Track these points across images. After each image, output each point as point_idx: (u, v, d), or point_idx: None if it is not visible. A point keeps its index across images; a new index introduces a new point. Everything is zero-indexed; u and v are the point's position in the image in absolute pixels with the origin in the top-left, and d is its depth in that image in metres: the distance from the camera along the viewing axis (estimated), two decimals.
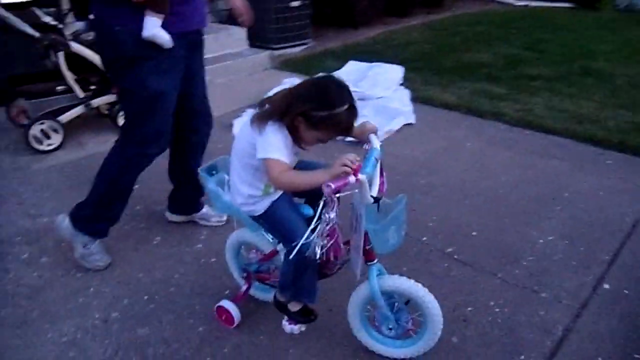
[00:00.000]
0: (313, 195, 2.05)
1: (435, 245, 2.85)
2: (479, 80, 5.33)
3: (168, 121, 2.53)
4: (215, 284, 2.57)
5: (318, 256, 1.82)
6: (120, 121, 4.24)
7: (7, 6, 3.90)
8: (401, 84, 5.09)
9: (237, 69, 5.75)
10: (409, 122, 4.38)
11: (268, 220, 2.02)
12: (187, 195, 2.99)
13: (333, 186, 1.61)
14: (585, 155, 3.85)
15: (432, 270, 2.66)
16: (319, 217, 1.77)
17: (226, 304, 2.28)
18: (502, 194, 3.35)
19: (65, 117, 4.06)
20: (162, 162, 2.72)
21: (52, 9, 4.76)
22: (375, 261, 1.99)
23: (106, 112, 4.34)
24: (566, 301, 2.44)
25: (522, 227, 3.01)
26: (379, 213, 1.86)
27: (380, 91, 4.81)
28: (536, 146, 4.00)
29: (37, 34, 3.78)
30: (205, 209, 3.05)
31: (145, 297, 2.50)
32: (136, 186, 2.67)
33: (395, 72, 5.18)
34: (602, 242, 2.87)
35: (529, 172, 3.62)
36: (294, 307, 2.17)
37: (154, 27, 2.23)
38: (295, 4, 6.38)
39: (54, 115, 4.05)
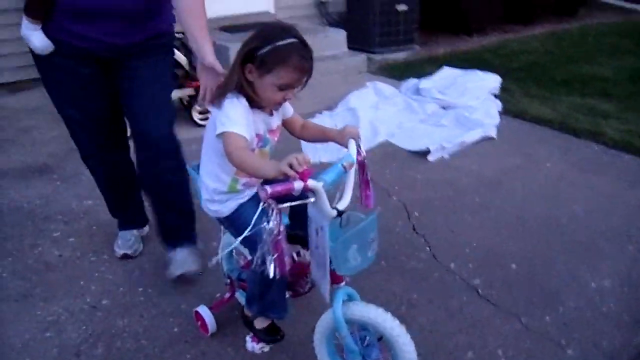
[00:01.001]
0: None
1: (461, 274, 2.51)
2: (587, 95, 4.72)
3: (90, 138, 2.43)
4: (214, 283, 2.46)
5: (271, 274, 1.59)
6: (195, 115, 4.33)
7: None
8: (495, 95, 4.66)
9: (330, 71, 5.62)
10: (489, 135, 3.97)
11: (233, 224, 1.86)
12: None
13: (269, 191, 1.42)
14: None
15: (446, 302, 2.34)
16: (253, 226, 1.57)
17: (202, 310, 2.17)
18: (566, 225, 2.89)
19: None
20: None
21: None
22: (342, 284, 1.75)
23: (185, 104, 4.45)
24: None
25: (575, 266, 2.56)
26: (343, 228, 1.62)
27: (467, 100, 4.43)
28: (631, 173, 3.42)
29: None
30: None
31: (140, 289, 2.47)
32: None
33: (489, 80, 4.76)
34: None
35: (609, 203, 3.10)
36: (260, 323, 2.02)
37: (26, 29, 2.11)
38: (401, 8, 6.12)
39: None
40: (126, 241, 2.69)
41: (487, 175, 3.45)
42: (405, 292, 2.39)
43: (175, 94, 4.29)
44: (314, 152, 3.47)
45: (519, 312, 2.27)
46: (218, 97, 1.71)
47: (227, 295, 2.23)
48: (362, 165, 1.76)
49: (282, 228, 1.50)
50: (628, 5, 8.71)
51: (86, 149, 2.48)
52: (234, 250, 2.25)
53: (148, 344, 2.14)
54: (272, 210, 1.47)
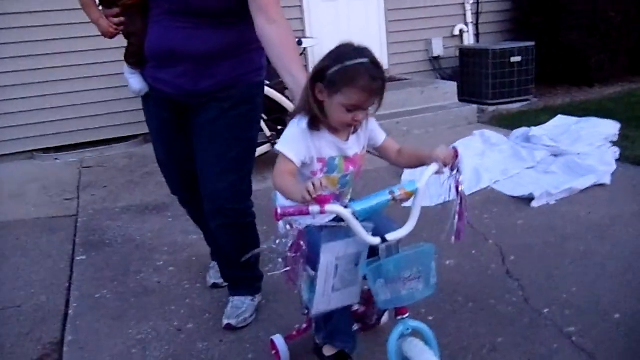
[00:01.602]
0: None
1: (555, 320, 2.32)
2: None
3: (172, 177, 2.55)
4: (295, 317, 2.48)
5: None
6: None
7: None
8: (613, 142, 4.36)
9: (439, 122, 5.61)
10: (602, 182, 3.70)
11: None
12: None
13: (279, 212, 1.43)
14: None
15: (534, 348, 2.16)
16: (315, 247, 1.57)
17: (277, 340, 2.13)
18: None
19: None
20: None
21: None
22: (406, 315, 1.64)
23: None
24: None
25: None
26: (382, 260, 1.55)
27: (580, 147, 4.18)
28: None
29: None
30: None
31: None
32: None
33: (606, 127, 4.46)
34: None
35: None
36: (328, 351, 1.97)
37: (126, 73, 2.29)
38: (516, 59, 6.01)
39: None
40: (216, 272, 2.78)
41: (596, 223, 3.19)
42: (490, 334, 2.25)
43: None
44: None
45: None
46: (291, 118, 1.75)
47: (304, 326, 2.16)
48: (458, 194, 1.66)
49: (302, 249, 1.50)
50: None
51: (171, 187, 2.62)
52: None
53: None
54: (287, 231, 1.49)
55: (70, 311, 2.65)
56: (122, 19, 2.22)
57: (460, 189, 1.63)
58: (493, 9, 6.83)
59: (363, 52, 1.64)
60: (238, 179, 2.30)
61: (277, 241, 1.57)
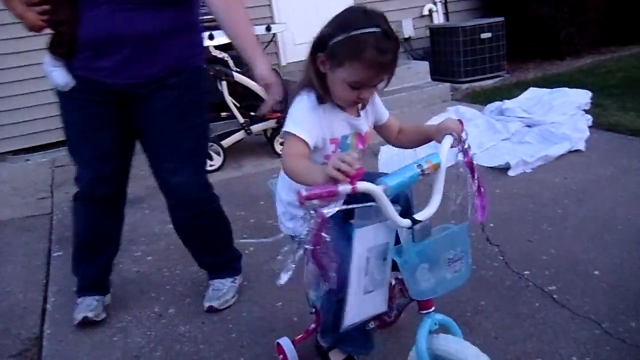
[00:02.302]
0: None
1: (535, 281, 2.33)
2: None
3: (94, 175, 2.22)
4: (275, 295, 2.46)
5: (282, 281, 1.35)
6: (277, 147, 4.46)
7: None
8: (586, 110, 4.39)
9: (413, 101, 5.62)
10: (576, 148, 3.73)
11: None
12: None
13: (304, 194, 1.18)
14: None
15: (516, 308, 2.18)
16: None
17: (284, 342, 1.93)
18: None
19: (227, 142, 4.41)
20: None
21: None
22: (431, 310, 1.46)
23: (268, 136, 4.61)
24: None
25: None
26: (416, 243, 1.36)
27: (553, 116, 4.21)
28: None
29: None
30: None
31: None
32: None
33: (578, 96, 4.51)
34: None
35: None
36: (336, 356, 1.80)
37: (48, 66, 2.05)
38: (486, 36, 6.02)
39: (218, 139, 4.42)
40: (213, 291, 2.46)
41: (572, 187, 3.22)
42: (473, 299, 2.25)
43: (258, 127, 4.47)
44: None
45: (599, 318, 2.05)
46: (294, 94, 1.52)
47: (312, 326, 1.95)
48: (470, 168, 1.46)
49: (326, 239, 1.25)
50: None
51: (90, 185, 2.25)
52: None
53: (205, 348, 2.17)
54: (311, 217, 1.23)
55: (48, 306, 2.60)
56: (45, 7, 1.99)
57: (472, 161, 1.47)
58: None
59: (374, 18, 1.40)
60: (194, 170, 2.24)
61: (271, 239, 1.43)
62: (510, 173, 3.49)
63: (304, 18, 5.93)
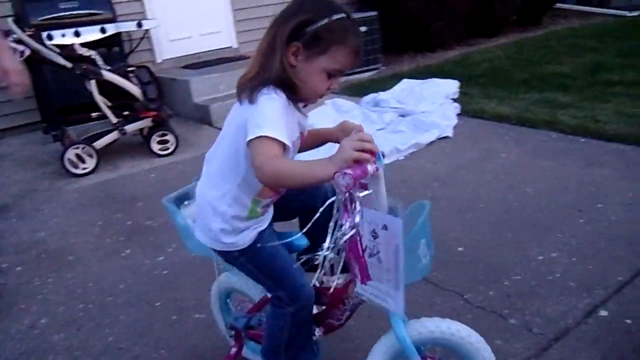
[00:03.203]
0: (299, 213, 1.60)
1: None
2: (546, 91, 4.71)
3: None
4: (153, 295, 2.42)
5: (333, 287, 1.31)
6: (154, 146, 4.31)
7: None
8: (454, 99, 4.65)
9: None
10: (445, 135, 3.94)
11: (254, 258, 1.48)
12: None
13: (352, 173, 1.11)
14: None
15: None
16: (279, 257, 1.35)
17: None
18: (517, 207, 2.83)
19: (100, 143, 4.20)
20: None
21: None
22: None
23: (144, 135, 4.45)
24: (538, 330, 1.94)
25: (523, 243, 2.49)
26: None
27: (424, 106, 4.43)
28: (586, 155, 3.38)
29: (69, 64, 3.98)
30: None
31: (81, 305, 2.42)
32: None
33: (447, 86, 4.78)
34: (622, 261, 2.28)
35: (563, 183, 3.05)
36: None
37: None
38: (361, 29, 6.18)
39: (90, 140, 4.20)
40: None
41: (442, 171, 3.40)
42: None
43: (133, 127, 4.30)
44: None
45: (462, 290, 2.20)
46: (250, 90, 1.33)
47: (234, 350, 1.81)
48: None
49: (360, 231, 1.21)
50: (590, 9, 8.82)
51: None
52: (230, 296, 1.94)
53: (81, 354, 2.08)
54: (353, 201, 1.17)
55: None
56: None
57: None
58: None
59: (341, 5, 1.34)
60: None
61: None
62: (385, 161, 3.61)
63: (178, 14, 5.81)
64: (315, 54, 1.30)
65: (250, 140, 1.25)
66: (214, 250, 1.51)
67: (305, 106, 1.47)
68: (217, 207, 1.44)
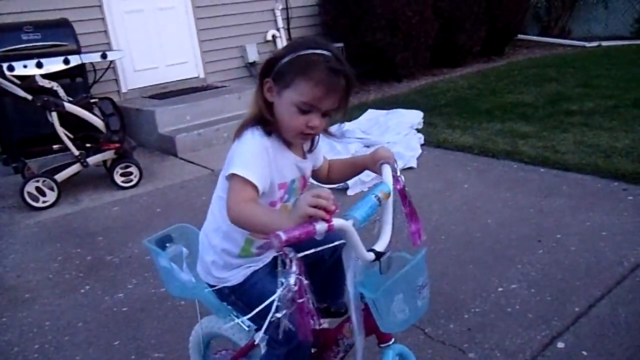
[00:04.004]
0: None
1: None
2: (507, 120, 4.82)
3: None
4: (111, 334, 2.37)
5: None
6: (117, 178, 4.25)
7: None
8: (418, 130, 4.72)
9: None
10: (409, 166, 3.98)
11: (243, 297, 1.49)
12: None
13: (284, 237, 1.10)
14: (602, 192, 3.25)
15: None
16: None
17: None
18: (478, 238, 2.86)
19: (61, 176, 4.13)
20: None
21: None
22: (391, 342, 1.42)
23: (107, 167, 4.39)
24: None
25: (484, 275, 2.51)
26: (385, 275, 1.33)
27: (389, 137, 4.49)
28: (545, 185, 3.45)
29: (29, 97, 3.92)
30: None
31: (36, 346, 2.35)
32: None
33: (411, 117, 4.85)
34: (579, 291, 2.31)
35: (522, 213, 3.10)
36: None
37: None
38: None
39: (51, 173, 4.13)
40: None
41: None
42: None
43: (96, 159, 4.25)
44: None
45: (422, 324, 2.19)
46: (240, 127, 1.38)
47: None
48: (402, 195, 1.45)
49: (305, 282, 1.17)
50: (550, 40, 9.11)
51: None
52: (210, 343, 1.85)
53: None
54: (291, 262, 1.15)
55: None
56: None
57: (404, 188, 1.47)
58: (302, 14, 7.09)
59: (326, 44, 1.35)
60: None
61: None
62: (349, 192, 3.64)
63: (144, 44, 5.80)
64: (283, 88, 1.33)
65: (228, 175, 1.31)
66: (209, 285, 1.52)
67: (310, 150, 1.50)
68: (210, 240, 1.49)
